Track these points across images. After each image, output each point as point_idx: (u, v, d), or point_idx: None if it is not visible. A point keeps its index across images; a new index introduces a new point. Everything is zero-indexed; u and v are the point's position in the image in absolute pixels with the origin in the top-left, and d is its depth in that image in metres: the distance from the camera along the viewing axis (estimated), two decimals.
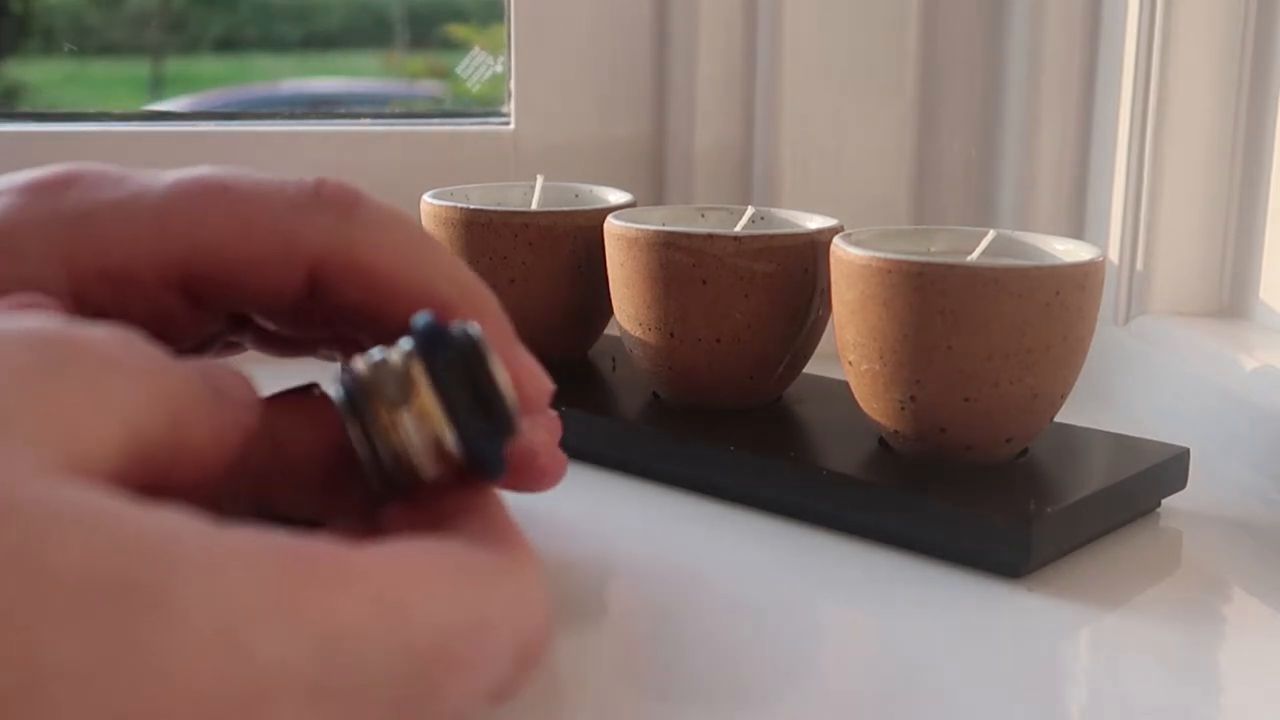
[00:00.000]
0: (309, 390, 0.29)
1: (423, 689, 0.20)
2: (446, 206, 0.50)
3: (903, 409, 0.39)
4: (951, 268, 0.37)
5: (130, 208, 0.28)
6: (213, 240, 0.28)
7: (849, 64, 0.61)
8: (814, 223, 0.46)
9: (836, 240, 0.40)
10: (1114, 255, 0.54)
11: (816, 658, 0.33)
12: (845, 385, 0.42)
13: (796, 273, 0.43)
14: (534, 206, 0.53)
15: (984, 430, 0.38)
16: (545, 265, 0.49)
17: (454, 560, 0.22)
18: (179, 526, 0.18)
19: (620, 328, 0.46)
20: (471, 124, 0.66)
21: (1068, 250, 0.41)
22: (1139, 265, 0.53)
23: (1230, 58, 0.51)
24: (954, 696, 0.29)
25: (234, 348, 0.33)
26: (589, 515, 0.41)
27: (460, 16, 0.90)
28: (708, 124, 0.63)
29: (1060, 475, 0.39)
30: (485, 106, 0.69)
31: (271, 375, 0.30)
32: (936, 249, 0.43)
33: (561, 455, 0.32)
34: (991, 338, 0.37)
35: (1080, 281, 0.37)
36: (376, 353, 0.25)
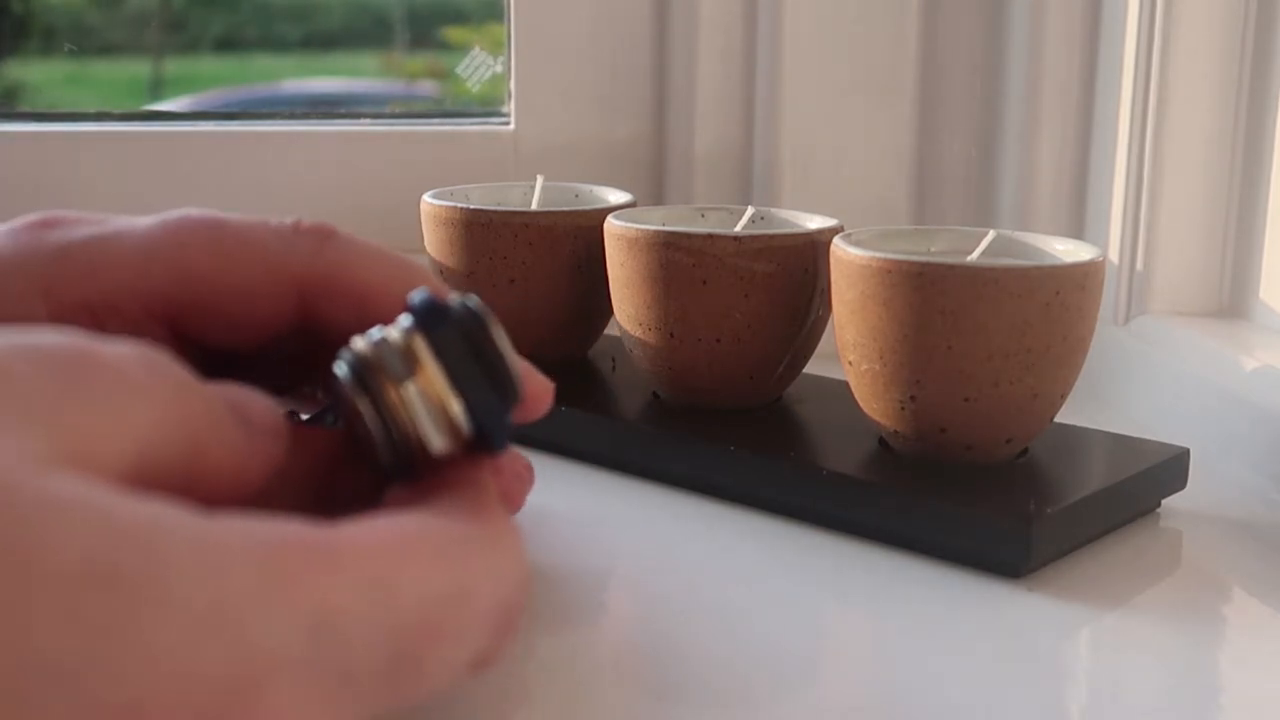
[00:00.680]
0: (291, 416, 0.30)
1: (408, 662, 0.20)
2: (446, 206, 0.50)
3: (903, 409, 0.39)
4: (951, 268, 0.37)
5: (114, 240, 0.29)
6: (198, 270, 0.29)
7: (849, 64, 0.61)
8: (814, 223, 0.46)
9: (836, 240, 0.40)
10: (1114, 255, 0.54)
11: (816, 658, 0.33)
12: (845, 385, 0.42)
13: (796, 273, 0.43)
14: (534, 206, 0.53)
15: (984, 430, 0.38)
16: (545, 265, 0.49)
17: (435, 534, 0.22)
18: (167, 516, 0.18)
19: (620, 328, 0.46)
20: (471, 124, 0.66)
21: (1068, 250, 0.41)
22: (1139, 265, 0.53)
23: (1230, 58, 0.51)
24: (954, 696, 0.29)
25: None
26: (589, 515, 0.41)
27: (460, 17, 0.90)
28: (708, 124, 0.63)
29: (1060, 475, 0.39)
30: (485, 106, 0.69)
31: None
32: (936, 249, 0.43)
33: (522, 484, 0.34)
34: (991, 338, 0.37)
35: (1080, 281, 0.37)
36: (375, 332, 0.25)
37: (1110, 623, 0.34)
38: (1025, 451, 0.40)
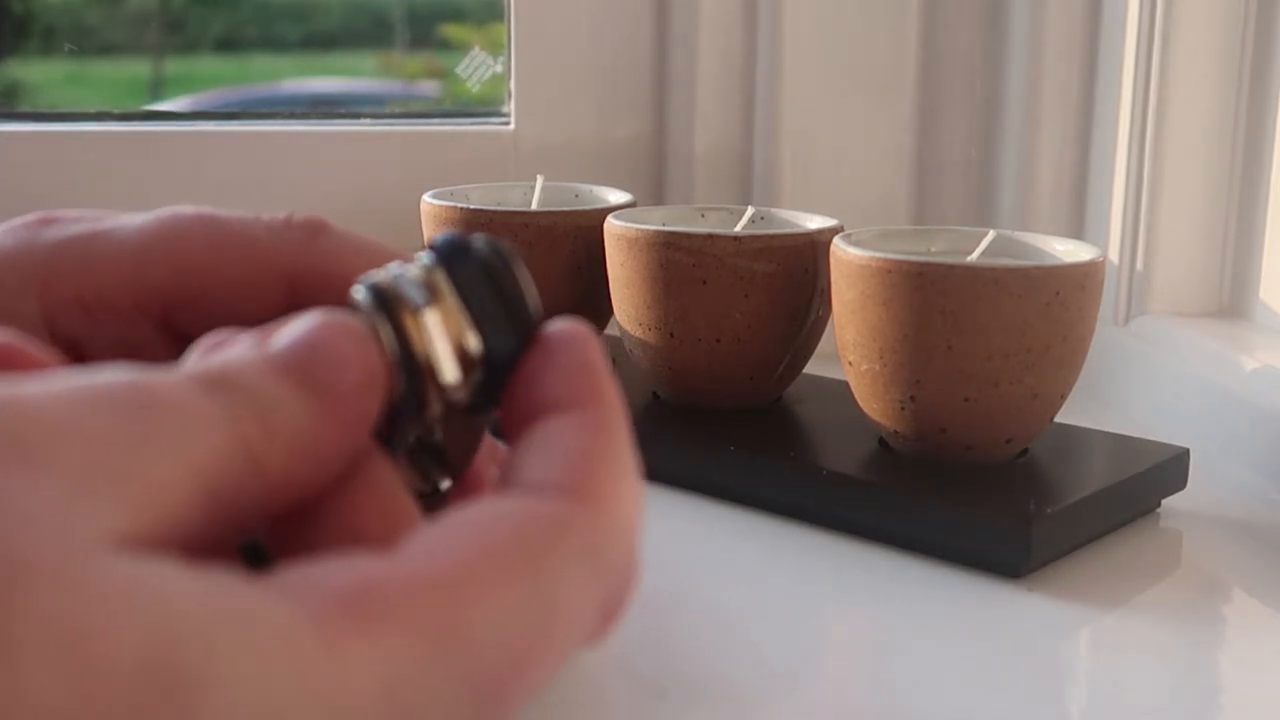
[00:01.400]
0: None
1: (498, 699, 0.19)
2: (446, 206, 0.50)
3: (903, 409, 0.39)
4: (951, 268, 0.37)
5: (110, 237, 0.29)
6: (192, 265, 0.29)
7: (849, 64, 0.61)
8: (814, 223, 0.46)
9: (836, 240, 0.40)
10: (1114, 255, 0.54)
11: (816, 658, 0.33)
12: (845, 385, 0.42)
13: (796, 273, 0.43)
14: (534, 206, 0.53)
15: (984, 430, 0.38)
16: (545, 265, 0.49)
17: (508, 541, 0.19)
18: (220, 598, 0.17)
19: (620, 328, 0.46)
20: (471, 124, 0.66)
21: (1068, 250, 0.41)
22: (1139, 265, 0.53)
23: (1230, 58, 0.51)
24: (954, 696, 0.29)
25: None
26: None
27: (459, 17, 0.90)
28: (708, 124, 0.63)
29: (1060, 475, 0.39)
30: (485, 106, 0.69)
31: None
32: (936, 249, 0.43)
33: None
34: (991, 338, 0.37)
35: (1080, 281, 0.37)
36: (395, 267, 0.25)
37: (1110, 623, 0.34)
38: (1025, 451, 0.40)
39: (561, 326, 0.24)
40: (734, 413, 0.45)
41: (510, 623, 0.19)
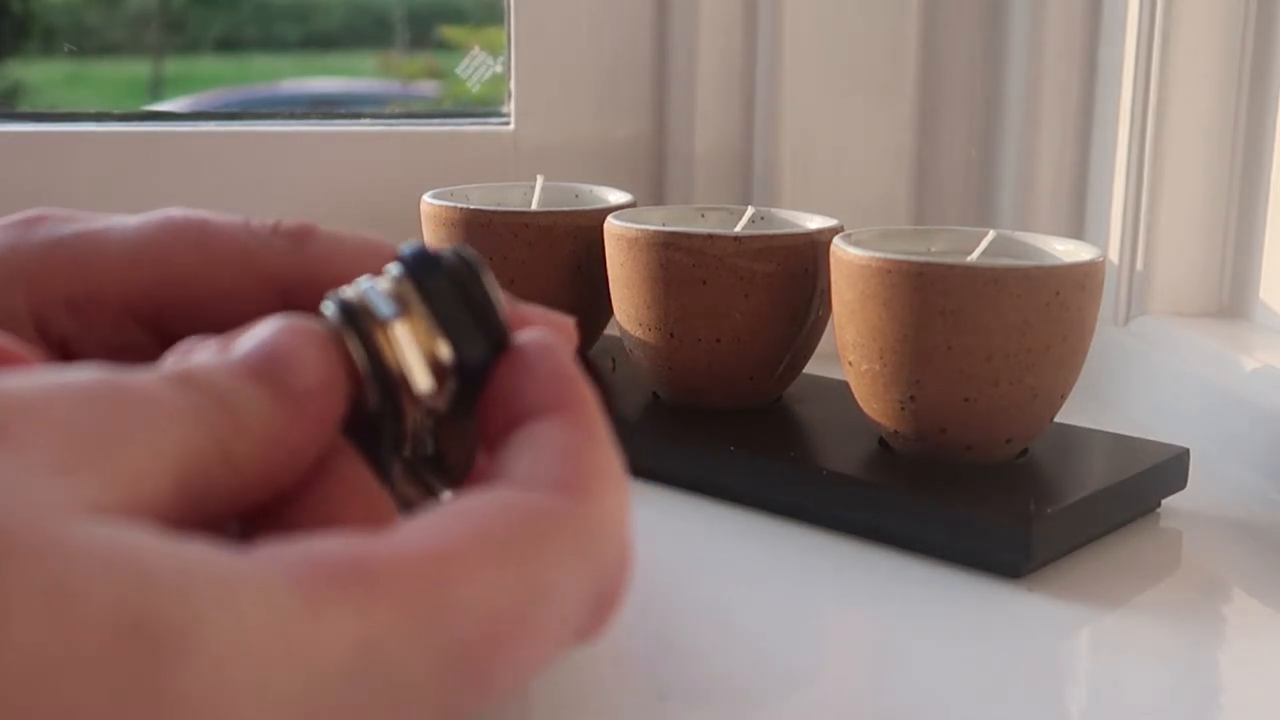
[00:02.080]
0: None
1: (472, 678, 0.19)
2: (446, 206, 0.50)
3: (903, 409, 0.39)
4: (951, 268, 0.37)
5: (100, 237, 0.29)
6: (182, 269, 0.29)
7: (849, 64, 0.61)
8: (814, 223, 0.46)
9: (836, 240, 0.40)
10: (1114, 255, 0.54)
11: (816, 658, 0.33)
12: (845, 385, 0.42)
13: (796, 273, 0.43)
14: (534, 206, 0.53)
15: (984, 430, 0.38)
16: (545, 265, 0.49)
17: (500, 529, 0.20)
18: (200, 559, 0.17)
19: (620, 328, 0.46)
20: (471, 124, 0.65)
21: (1068, 250, 0.41)
22: (1139, 265, 0.53)
23: (1230, 58, 0.51)
24: (954, 696, 0.29)
25: None
26: None
27: (458, 17, 0.90)
28: (708, 124, 0.63)
29: (1060, 475, 0.39)
30: (485, 106, 0.69)
31: None
32: (936, 249, 0.43)
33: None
34: (991, 338, 0.37)
35: (1080, 281, 0.37)
36: (363, 281, 0.25)
37: (1110, 623, 0.34)
38: (1025, 451, 0.40)
39: (532, 336, 0.24)
40: (734, 413, 0.45)
41: (494, 603, 0.19)
